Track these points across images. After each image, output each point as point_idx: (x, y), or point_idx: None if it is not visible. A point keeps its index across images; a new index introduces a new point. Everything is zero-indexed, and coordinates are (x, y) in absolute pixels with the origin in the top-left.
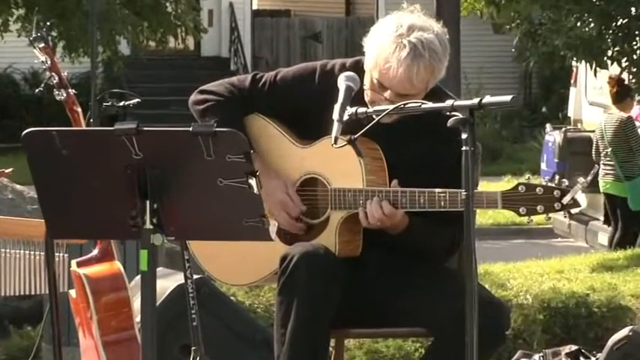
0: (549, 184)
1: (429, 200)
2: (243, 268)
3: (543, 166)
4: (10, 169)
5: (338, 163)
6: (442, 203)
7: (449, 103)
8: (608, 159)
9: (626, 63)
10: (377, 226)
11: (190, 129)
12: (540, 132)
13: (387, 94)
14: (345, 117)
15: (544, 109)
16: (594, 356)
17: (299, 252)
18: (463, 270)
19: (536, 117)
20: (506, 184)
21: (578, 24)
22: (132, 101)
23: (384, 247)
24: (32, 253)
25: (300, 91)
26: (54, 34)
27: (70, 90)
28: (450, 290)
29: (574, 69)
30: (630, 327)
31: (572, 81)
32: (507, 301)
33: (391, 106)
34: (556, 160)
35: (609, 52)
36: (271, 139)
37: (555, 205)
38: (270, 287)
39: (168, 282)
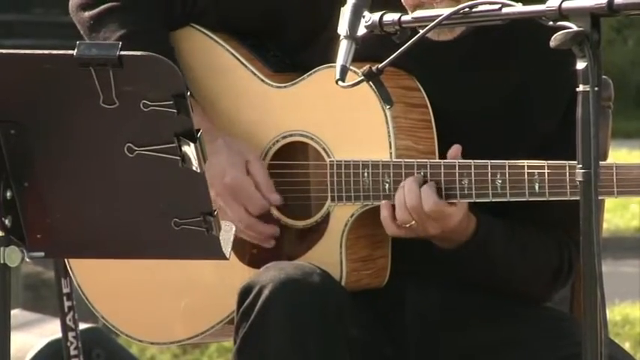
0: None
1: (513, 182)
2: (171, 312)
3: None
4: None
5: (345, 115)
6: (536, 187)
7: (552, 4)
8: None
9: None
10: (411, 232)
11: (74, 52)
12: None
13: None
14: (361, 30)
15: None
16: None
17: (273, 281)
18: (581, 315)
19: None
20: None
21: None
22: None
23: (433, 274)
24: None
25: None
26: None
27: None
28: (558, 355)
29: None
30: None
31: None
32: None
33: (447, 10)
34: None
35: None
36: (221, 71)
37: None
38: (220, 345)
39: (30, 336)
